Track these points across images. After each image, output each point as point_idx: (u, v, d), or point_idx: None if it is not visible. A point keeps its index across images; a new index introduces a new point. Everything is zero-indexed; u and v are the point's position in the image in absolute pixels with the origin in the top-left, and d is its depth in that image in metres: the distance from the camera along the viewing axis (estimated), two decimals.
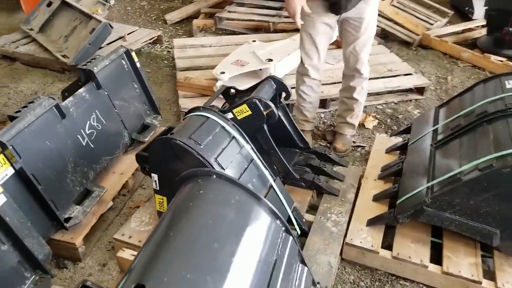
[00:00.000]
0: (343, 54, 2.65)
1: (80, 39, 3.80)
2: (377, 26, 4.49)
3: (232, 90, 2.44)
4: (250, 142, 1.97)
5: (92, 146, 2.21)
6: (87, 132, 2.19)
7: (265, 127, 2.18)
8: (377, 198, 2.20)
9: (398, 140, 2.62)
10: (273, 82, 2.36)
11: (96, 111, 2.27)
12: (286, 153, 2.50)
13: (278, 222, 1.26)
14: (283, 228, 1.27)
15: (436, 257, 1.91)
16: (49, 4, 4.37)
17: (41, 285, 1.71)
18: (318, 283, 1.42)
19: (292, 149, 2.55)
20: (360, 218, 2.09)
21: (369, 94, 3.46)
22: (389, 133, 2.96)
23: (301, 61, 2.68)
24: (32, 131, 1.89)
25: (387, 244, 2.01)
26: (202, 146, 1.73)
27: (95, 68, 2.28)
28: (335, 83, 3.42)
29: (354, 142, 2.92)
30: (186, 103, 3.09)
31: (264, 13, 4.68)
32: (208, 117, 1.88)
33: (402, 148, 2.47)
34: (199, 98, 3.20)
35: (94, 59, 2.38)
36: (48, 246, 1.80)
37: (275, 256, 1.19)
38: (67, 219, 1.98)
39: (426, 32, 4.31)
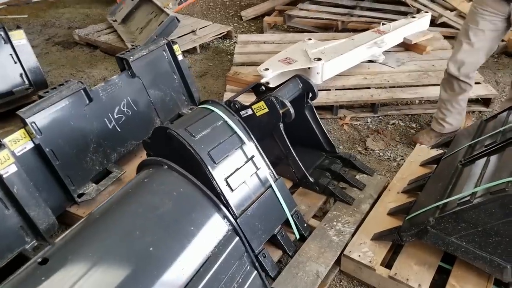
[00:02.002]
0: None
1: (150, 31, 4.08)
2: (458, 29, 4.13)
3: (262, 87, 2.43)
4: (254, 139, 1.94)
5: (119, 130, 2.37)
6: (115, 116, 2.35)
7: (281, 126, 2.14)
8: (392, 212, 2.03)
9: (438, 152, 2.38)
10: (299, 81, 2.30)
11: (128, 97, 2.43)
12: (310, 155, 2.44)
13: (224, 221, 1.24)
14: (229, 228, 1.24)
15: (441, 285, 1.71)
16: None
17: (39, 251, 1.89)
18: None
19: (318, 152, 2.46)
20: (367, 230, 1.95)
21: (427, 102, 3.20)
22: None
23: None
24: (56, 111, 2.09)
25: (392, 262, 1.85)
26: (196, 138, 1.76)
27: (131, 57, 2.44)
28: (390, 87, 3.21)
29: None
30: (229, 97, 3.14)
31: (334, 12, 4.54)
32: (212, 111, 1.91)
33: (438, 162, 2.24)
34: (245, 93, 3.23)
35: (134, 48, 2.55)
36: (54, 217, 1.98)
37: (210, 253, 1.17)
38: (80, 195, 2.16)
39: None
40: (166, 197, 1.18)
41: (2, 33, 3.15)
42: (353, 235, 1.95)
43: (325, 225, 2.02)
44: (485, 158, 1.76)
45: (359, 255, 1.84)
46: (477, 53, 2.42)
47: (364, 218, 2.05)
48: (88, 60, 4.31)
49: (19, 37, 3.28)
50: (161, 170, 1.27)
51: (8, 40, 3.17)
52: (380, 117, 3.10)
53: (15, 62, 3.24)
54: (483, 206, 1.49)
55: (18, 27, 3.33)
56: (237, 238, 1.26)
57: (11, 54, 3.21)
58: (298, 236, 1.97)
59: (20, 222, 1.94)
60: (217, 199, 1.26)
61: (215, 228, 1.22)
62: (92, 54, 4.43)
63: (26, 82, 3.29)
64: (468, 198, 1.55)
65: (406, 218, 1.80)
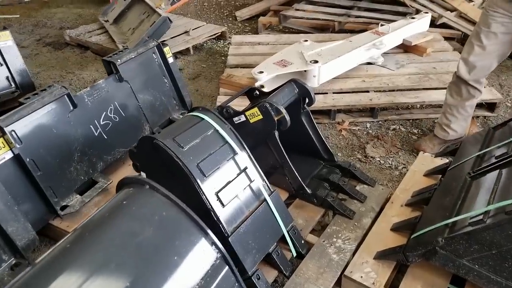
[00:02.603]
0: None
1: (142, 32, 3.94)
2: (458, 30, 4.02)
3: (257, 91, 2.30)
4: (247, 149, 1.81)
5: (105, 137, 2.23)
6: (102, 123, 2.22)
7: (276, 133, 2.01)
8: (396, 228, 1.90)
9: (443, 161, 2.25)
10: (295, 86, 2.17)
11: (115, 102, 2.29)
12: (307, 164, 2.31)
13: (213, 248, 1.11)
14: (218, 256, 1.11)
15: None
16: None
17: (17, 269, 1.75)
18: None
19: (315, 160, 2.33)
20: (369, 248, 1.82)
21: (428, 106, 3.07)
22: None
23: None
24: (37, 118, 1.95)
25: (397, 283, 1.72)
26: (184, 149, 1.62)
27: (118, 60, 2.30)
28: (390, 91, 3.08)
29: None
30: (223, 101, 3.00)
31: (331, 12, 4.42)
32: (202, 119, 1.77)
33: (444, 172, 2.11)
34: (241, 96, 3.09)
35: (122, 51, 2.41)
36: (35, 232, 1.85)
37: (197, 285, 1.03)
38: (64, 207, 2.03)
39: None
40: (147, 222, 1.05)
41: None
42: (354, 253, 1.82)
43: (324, 241, 1.88)
44: (496, 171, 1.63)
45: (361, 276, 1.71)
46: (489, 57, 2.31)
47: (365, 233, 1.91)
48: (78, 62, 4.16)
49: (5, 38, 3.13)
50: (142, 190, 1.14)
51: None
52: (380, 122, 2.98)
53: (1, 65, 3.08)
54: (498, 227, 1.36)
55: (4, 28, 3.18)
56: (227, 267, 1.13)
57: None
58: (295, 254, 1.84)
59: None
60: (203, 222, 1.11)
61: (202, 257, 1.08)
62: (83, 55, 4.28)
63: (13, 85, 3.13)
64: (480, 217, 1.42)
65: (412, 237, 1.67)
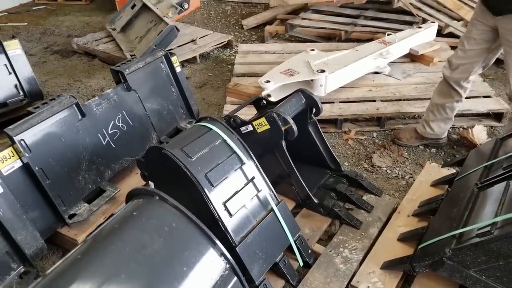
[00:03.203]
0: None
1: (149, 40, 3.97)
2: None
3: (264, 101, 2.31)
4: (254, 159, 1.82)
5: (113, 146, 2.25)
6: (110, 132, 2.24)
7: (284, 143, 2.02)
8: (403, 238, 1.90)
9: (450, 172, 2.25)
10: (302, 96, 2.18)
11: (123, 111, 2.32)
12: (314, 174, 2.32)
13: (222, 259, 1.12)
14: (227, 266, 1.12)
15: None
16: (133, 6, 4.65)
17: (26, 277, 1.77)
18: None
19: (322, 170, 2.34)
20: (376, 258, 1.82)
21: None
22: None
23: None
24: (46, 127, 1.98)
25: None
26: (192, 159, 1.64)
27: (126, 70, 2.32)
28: (396, 100, 3.09)
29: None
30: (230, 110, 3.03)
31: (338, 21, 4.44)
32: (210, 129, 1.79)
33: (451, 183, 2.11)
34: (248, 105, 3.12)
35: (130, 60, 2.43)
36: (43, 240, 1.87)
37: None
38: (72, 215, 2.04)
39: None
40: (156, 234, 1.06)
41: None
42: (361, 263, 1.82)
43: (330, 251, 1.89)
44: (504, 183, 1.63)
45: (368, 286, 1.71)
46: (469, 60, 2.41)
47: (372, 243, 1.92)
48: (86, 70, 4.20)
49: (14, 47, 3.18)
50: (151, 201, 1.15)
51: (2, 50, 3.07)
52: (386, 131, 2.98)
53: (10, 73, 3.13)
54: (505, 239, 1.36)
55: (13, 37, 3.23)
56: (235, 278, 1.13)
57: (5, 65, 3.10)
58: (302, 264, 1.84)
59: (6, 247, 1.82)
60: (211, 233, 1.12)
61: (210, 268, 1.09)
62: (91, 63, 4.32)
63: (21, 93, 3.18)
64: (488, 228, 1.42)
65: (419, 247, 1.67)
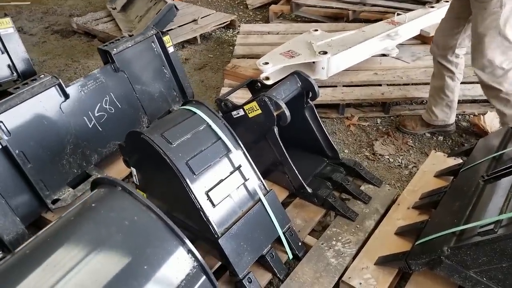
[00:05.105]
0: None
1: (149, 19, 3.84)
2: None
3: (258, 83, 2.18)
4: (241, 146, 1.70)
5: (100, 129, 2.15)
6: (96, 114, 2.14)
7: (276, 129, 1.90)
8: (401, 232, 1.78)
9: (456, 162, 2.10)
10: (298, 79, 2.04)
11: (111, 93, 2.21)
12: (310, 161, 2.20)
13: (189, 256, 1.01)
14: (195, 264, 1.01)
15: None
16: None
17: None
18: None
19: (319, 157, 2.21)
20: (370, 253, 1.70)
21: None
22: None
23: None
24: (26, 109, 1.88)
25: None
26: (173, 146, 1.53)
27: (114, 49, 2.20)
28: (404, 85, 2.92)
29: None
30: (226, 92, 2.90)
31: (345, 0, 4.24)
32: (194, 113, 1.67)
33: (456, 174, 1.97)
34: (243, 88, 2.98)
35: (118, 40, 2.31)
36: (24, 226, 1.79)
37: None
38: (55, 201, 1.96)
39: None
40: (115, 228, 0.96)
41: None
42: (354, 258, 1.71)
43: (322, 244, 1.77)
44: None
45: (360, 283, 1.59)
46: (447, 26, 2.33)
47: (368, 237, 1.80)
48: (85, 50, 4.10)
49: (6, 26, 3.07)
50: (113, 192, 1.05)
51: None
52: (391, 117, 2.82)
53: (2, 52, 3.03)
54: (510, 239, 1.23)
55: (5, 15, 3.13)
56: (204, 277, 1.03)
57: None
58: (291, 257, 1.74)
59: None
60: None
61: (175, 266, 0.99)
62: (90, 43, 4.22)
63: (14, 73, 3.08)
64: (491, 226, 1.29)
65: (417, 243, 1.55)
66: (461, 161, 2.08)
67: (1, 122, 1.80)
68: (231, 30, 4.40)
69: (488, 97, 2.30)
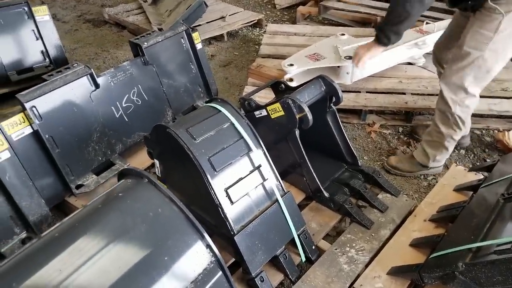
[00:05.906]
0: None
1: (178, 14, 3.89)
2: None
3: (282, 85, 2.21)
4: (263, 146, 1.73)
5: (126, 120, 2.21)
6: (124, 105, 2.19)
7: (297, 132, 1.92)
8: (415, 244, 1.78)
9: (478, 177, 2.08)
10: (322, 83, 2.06)
11: (139, 85, 2.27)
12: (328, 166, 2.21)
13: (207, 251, 1.04)
14: (212, 259, 1.04)
15: None
16: None
17: (28, 243, 1.77)
18: None
19: (338, 162, 2.22)
20: (384, 262, 1.71)
21: None
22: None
23: None
24: (59, 96, 1.95)
25: None
26: (197, 141, 1.57)
27: (145, 43, 2.26)
28: (428, 95, 2.90)
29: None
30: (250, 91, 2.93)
31: (374, 6, 4.21)
32: (219, 111, 1.70)
33: (476, 189, 1.95)
34: (267, 88, 3.01)
35: (149, 34, 2.37)
36: (48, 208, 1.86)
37: (189, 286, 0.98)
38: (79, 186, 2.02)
39: None
40: (140, 219, 1.00)
41: (26, 8, 3.05)
42: (367, 266, 1.72)
43: (336, 249, 1.79)
44: None
45: None
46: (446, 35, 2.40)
47: (382, 246, 1.80)
48: (114, 40, 4.19)
49: (42, 13, 3.17)
50: (140, 183, 1.09)
51: (31, 16, 3.07)
52: (413, 127, 2.80)
53: (37, 39, 3.14)
54: None
55: (42, 3, 3.23)
56: (220, 272, 1.06)
57: (33, 30, 3.10)
58: (304, 259, 1.76)
59: (10, 212, 1.83)
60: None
61: (194, 259, 1.02)
62: (120, 34, 4.31)
63: (47, 59, 3.19)
64: (508, 246, 1.28)
65: (431, 256, 1.55)
66: (482, 176, 2.06)
67: (35, 107, 1.87)
68: (257, 29, 4.43)
69: (436, 108, 2.25)
